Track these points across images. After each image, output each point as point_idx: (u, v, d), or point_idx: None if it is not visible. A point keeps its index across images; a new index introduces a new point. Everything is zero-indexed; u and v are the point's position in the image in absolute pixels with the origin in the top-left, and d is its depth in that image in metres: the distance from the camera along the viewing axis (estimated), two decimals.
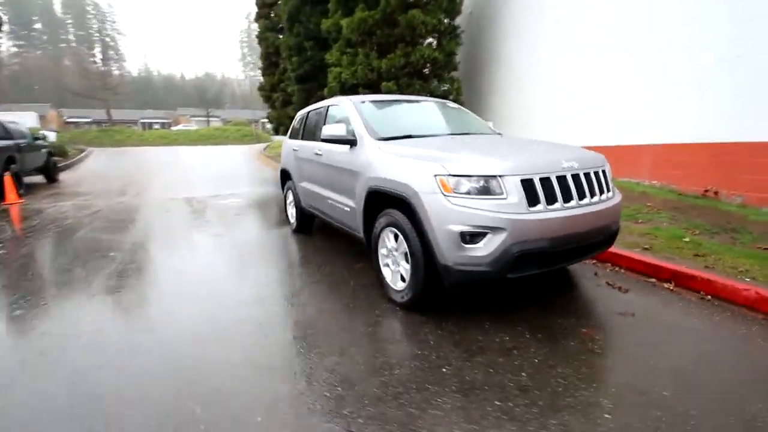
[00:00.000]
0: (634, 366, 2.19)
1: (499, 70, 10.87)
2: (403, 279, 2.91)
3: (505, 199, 2.41)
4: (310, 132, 4.77)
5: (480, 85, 11.66)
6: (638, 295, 3.11)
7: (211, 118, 50.82)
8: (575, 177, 2.61)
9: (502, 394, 1.97)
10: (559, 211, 2.50)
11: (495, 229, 2.39)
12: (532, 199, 2.44)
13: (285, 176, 5.64)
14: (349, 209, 3.58)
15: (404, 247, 2.80)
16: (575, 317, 2.74)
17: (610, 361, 2.29)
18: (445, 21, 10.44)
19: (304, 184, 4.80)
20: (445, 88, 10.90)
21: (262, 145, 24.90)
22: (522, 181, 2.45)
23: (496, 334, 2.52)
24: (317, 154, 4.26)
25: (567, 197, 2.55)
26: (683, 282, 3.11)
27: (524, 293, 3.13)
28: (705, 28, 5.47)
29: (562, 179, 2.55)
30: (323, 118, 4.41)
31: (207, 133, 34.57)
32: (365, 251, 4.41)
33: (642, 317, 2.72)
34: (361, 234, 3.47)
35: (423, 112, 4.16)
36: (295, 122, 5.61)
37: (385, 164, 2.98)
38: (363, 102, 3.92)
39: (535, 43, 9.46)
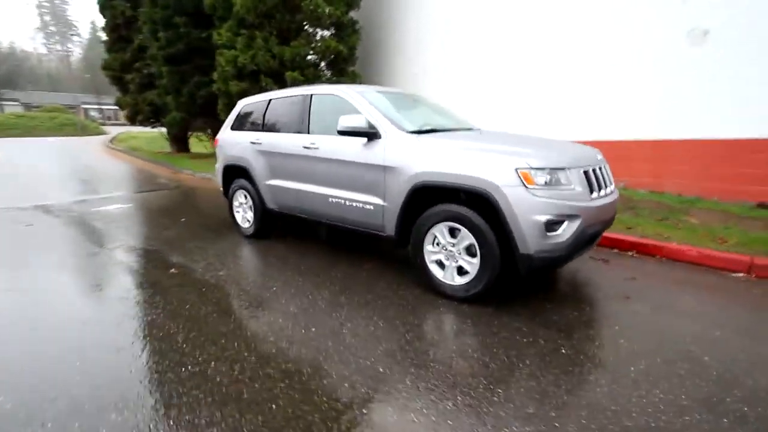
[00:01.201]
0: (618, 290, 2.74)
1: (395, 63, 11.36)
2: (460, 273, 2.91)
3: (573, 189, 2.66)
4: (283, 123, 4.19)
5: (377, 82, 11.96)
6: (617, 263, 3.81)
7: (5, 102, 38.53)
8: (601, 170, 3.04)
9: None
10: (601, 198, 2.88)
11: (572, 217, 2.62)
12: (590, 189, 2.76)
13: (234, 174, 4.83)
14: (371, 207, 3.33)
15: (468, 241, 2.80)
16: (582, 283, 3.23)
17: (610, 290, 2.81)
18: (348, 14, 10.34)
19: (276, 182, 4.22)
20: (349, 82, 10.84)
21: (101, 138, 20.31)
22: (583, 172, 2.74)
23: (546, 313, 2.79)
24: (307, 147, 3.80)
25: (600, 187, 2.95)
26: (642, 250, 3.96)
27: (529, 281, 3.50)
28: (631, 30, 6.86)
29: (597, 171, 2.95)
30: (306, 108, 3.94)
31: (5, 121, 26.27)
32: (361, 247, 4.28)
33: (621, 273, 3.38)
34: (388, 232, 3.28)
35: (418, 105, 4.12)
36: (242, 111, 4.83)
37: (439, 159, 2.89)
38: (366, 92, 3.67)
39: (427, 41, 10.17)
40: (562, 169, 2.66)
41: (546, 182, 2.59)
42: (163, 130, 15.12)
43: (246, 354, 2.30)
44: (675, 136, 5.63)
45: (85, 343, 2.47)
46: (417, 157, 3.01)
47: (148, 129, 16.79)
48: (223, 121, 14.18)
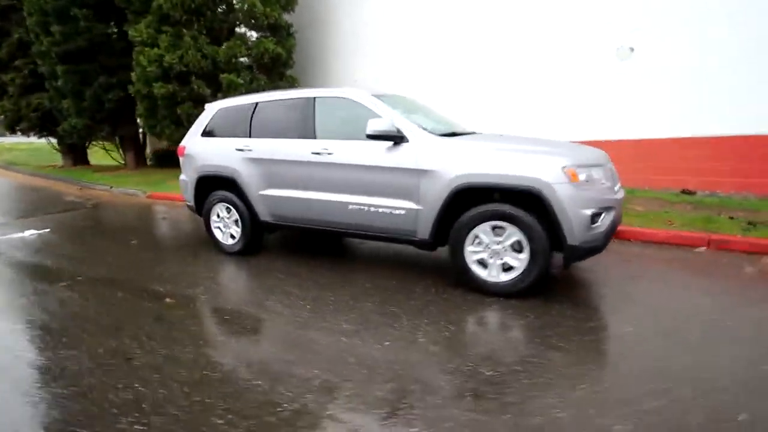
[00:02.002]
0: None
1: (334, 68, 11.23)
2: (505, 270, 2.99)
3: (604, 184, 2.92)
4: (280, 128, 3.84)
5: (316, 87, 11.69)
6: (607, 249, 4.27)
7: None
8: (613, 168, 3.39)
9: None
10: (619, 193, 3.21)
11: (608, 209, 2.88)
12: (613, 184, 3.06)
13: (211, 186, 4.30)
14: (403, 212, 3.24)
15: (514, 238, 2.89)
16: (587, 269, 3.59)
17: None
18: (284, 17, 9.94)
19: (273, 192, 3.85)
20: (287, 87, 10.39)
21: None
22: (609, 169, 3.03)
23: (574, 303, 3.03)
24: (317, 153, 3.55)
25: (615, 183, 3.29)
26: (620, 236, 4.50)
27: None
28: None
29: (611, 169, 3.28)
30: (310, 112, 3.68)
31: None
32: (362, 255, 4.08)
33: (617, 258, 3.83)
34: (420, 236, 3.22)
35: (417, 109, 4.10)
36: (216, 115, 4.32)
37: (484, 160, 2.93)
38: (379, 96, 3.56)
39: (368, 46, 10.26)
40: (595, 166, 2.92)
41: (586, 179, 2.81)
42: (53, 139, 12.75)
43: (367, 380, 2.08)
44: (615, 137, 6.49)
45: None
46: (457, 159, 3.02)
47: (29, 139, 14.03)
48: (141, 128, 12.52)
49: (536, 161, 2.82)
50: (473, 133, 3.69)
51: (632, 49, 6.01)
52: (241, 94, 9.37)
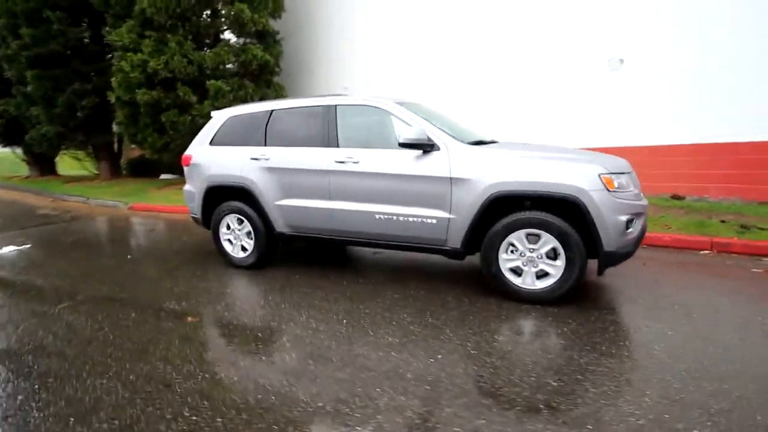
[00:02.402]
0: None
1: (320, 76, 11.13)
2: (539, 277, 3.01)
3: (632, 191, 3.00)
4: (298, 137, 3.73)
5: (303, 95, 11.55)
6: None
7: None
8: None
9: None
10: (644, 200, 3.30)
11: (639, 215, 2.94)
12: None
13: (221, 197, 4.12)
14: (434, 221, 3.20)
15: (550, 245, 2.91)
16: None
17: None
18: (271, 23, 9.80)
19: (292, 202, 3.73)
20: (273, 94, 10.21)
21: None
22: (634, 176, 3.11)
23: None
24: (341, 162, 3.46)
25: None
26: None
27: None
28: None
29: (634, 176, 3.37)
30: (332, 120, 3.59)
31: None
32: (378, 265, 4.10)
33: (631, 262, 3.93)
34: (451, 245, 3.19)
35: (434, 116, 4.08)
36: (226, 123, 4.16)
37: (521, 169, 2.94)
38: (406, 104, 3.52)
39: (353, 52, 10.25)
40: (624, 173, 2.99)
41: (618, 186, 2.87)
42: (18, 149, 11.94)
43: (434, 398, 1.99)
44: (604, 144, 6.74)
45: None
46: (492, 167, 3.02)
47: None
48: (119, 135, 11.98)
49: (573, 169, 2.86)
50: (496, 141, 3.71)
51: (622, 61, 6.30)
52: (229, 101, 9.15)
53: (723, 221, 5.07)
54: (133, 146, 15.19)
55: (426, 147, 3.18)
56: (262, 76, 9.94)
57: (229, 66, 9.38)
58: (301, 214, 3.73)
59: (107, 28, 8.98)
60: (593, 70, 6.56)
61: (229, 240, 4.16)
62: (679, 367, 2.21)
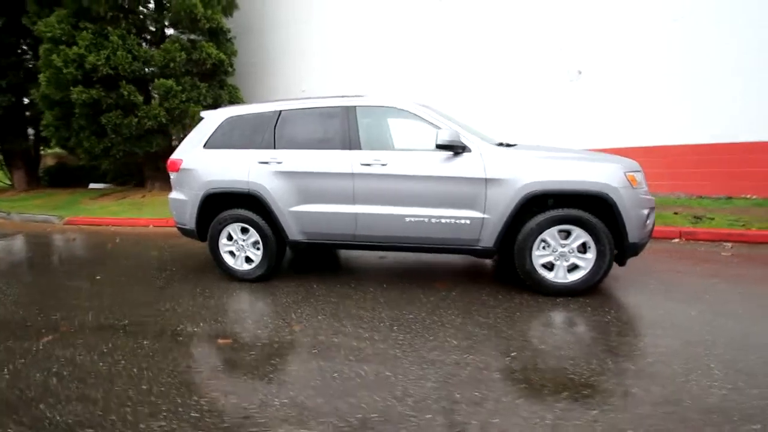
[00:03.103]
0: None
1: (276, 78, 10.70)
2: (569, 271, 3.17)
3: (645, 188, 3.28)
4: (314, 139, 3.53)
5: (258, 98, 11.03)
6: None
7: None
8: None
9: None
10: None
11: (652, 209, 3.23)
12: None
13: (225, 204, 3.76)
14: (467, 221, 3.21)
15: (581, 240, 3.08)
16: None
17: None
18: (224, 20, 9.23)
19: (310, 208, 3.51)
20: (227, 96, 9.62)
21: None
22: (643, 175, 3.41)
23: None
24: (367, 164, 3.34)
25: None
26: None
27: None
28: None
29: None
30: (352, 121, 3.45)
31: None
32: (394, 270, 4.15)
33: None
34: (484, 244, 3.23)
35: (451, 117, 4.07)
36: (224, 124, 3.80)
37: (554, 169, 3.08)
38: (429, 105, 3.50)
39: (311, 54, 10.03)
40: (638, 171, 3.28)
41: (638, 182, 3.14)
42: None
43: (536, 395, 1.96)
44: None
45: None
46: (527, 168, 3.12)
47: None
48: (44, 139, 10.43)
49: (602, 168, 3.07)
50: (515, 144, 3.83)
51: (580, 72, 6.92)
52: (181, 102, 8.41)
53: (676, 213, 5.79)
54: (46, 152, 13.28)
55: (458, 149, 3.20)
56: (215, 76, 9.30)
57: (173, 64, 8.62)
58: (320, 220, 3.54)
59: (29, 16, 7.75)
60: (556, 79, 7.12)
61: (231, 252, 3.80)
62: (740, 345, 2.46)
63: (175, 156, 3.95)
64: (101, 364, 2.43)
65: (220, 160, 3.73)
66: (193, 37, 8.91)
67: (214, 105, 9.49)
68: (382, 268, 4.23)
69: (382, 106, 3.52)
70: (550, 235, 3.14)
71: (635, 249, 3.12)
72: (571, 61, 6.95)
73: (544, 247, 3.18)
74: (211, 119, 3.90)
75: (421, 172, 3.28)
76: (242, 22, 10.35)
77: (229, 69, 9.64)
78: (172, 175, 3.97)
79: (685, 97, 6.45)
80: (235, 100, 9.85)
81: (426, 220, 3.31)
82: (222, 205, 3.77)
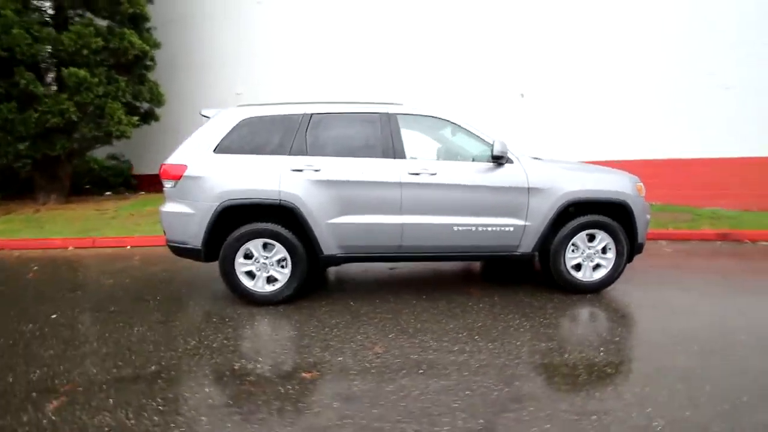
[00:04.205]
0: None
1: (207, 78, 9.66)
2: (595, 269, 3.54)
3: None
4: (351, 146, 3.32)
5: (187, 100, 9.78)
6: None
7: None
8: None
9: None
10: None
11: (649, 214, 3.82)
12: None
13: (245, 217, 3.25)
14: (511, 228, 3.36)
15: (604, 242, 3.47)
16: None
17: None
18: (147, 6, 8.07)
19: (350, 219, 3.27)
20: (148, 93, 8.41)
21: None
22: None
23: None
24: (416, 174, 3.25)
25: None
26: None
27: None
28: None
29: None
30: (394, 129, 3.33)
31: None
32: (426, 278, 4.28)
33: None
34: (523, 250, 3.43)
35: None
36: (240, 125, 3.31)
37: (586, 179, 3.44)
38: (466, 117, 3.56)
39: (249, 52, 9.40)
40: (638, 182, 3.84)
41: (642, 192, 3.69)
42: None
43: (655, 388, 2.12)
44: None
45: None
46: (561, 178, 3.41)
47: None
48: None
49: (620, 179, 3.54)
50: (540, 158, 4.10)
51: (523, 95, 7.81)
52: (97, 96, 7.01)
53: None
54: None
55: (504, 160, 3.37)
56: (134, 70, 8.00)
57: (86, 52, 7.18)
58: (362, 232, 3.32)
59: None
60: (504, 101, 7.88)
61: (251, 272, 3.32)
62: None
63: (174, 161, 3.30)
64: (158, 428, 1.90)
65: (241, 166, 3.25)
66: (107, 23, 7.53)
67: (134, 102, 8.16)
68: (401, 279, 4.14)
69: (424, 115, 3.50)
70: (580, 238, 3.49)
71: (641, 248, 3.66)
72: (518, 84, 7.82)
73: (573, 250, 3.52)
74: (222, 120, 3.38)
75: (470, 181, 3.35)
76: (164, 11, 9.11)
77: (151, 62, 8.40)
78: (169, 184, 3.31)
79: (623, 115, 7.65)
80: (155, 97, 8.59)
81: (473, 228, 3.38)
82: (238, 218, 3.28)
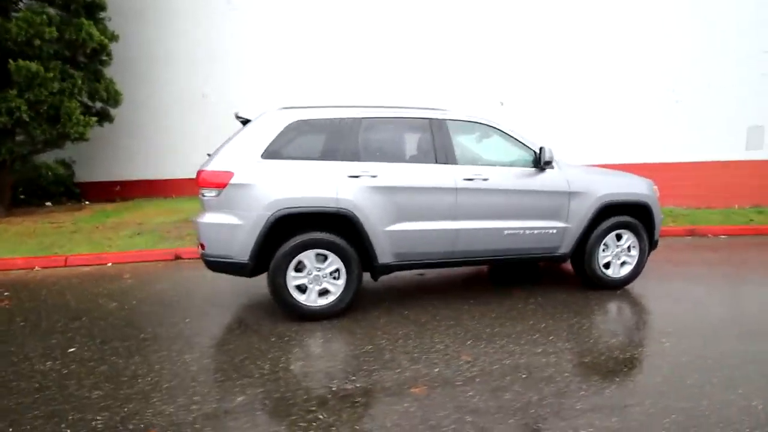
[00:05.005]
0: None
1: (168, 76, 8.89)
2: (622, 266, 3.81)
3: None
4: (403, 151, 3.32)
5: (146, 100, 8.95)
6: None
7: None
8: None
9: None
10: None
11: None
12: None
13: (298, 227, 3.03)
14: (554, 230, 3.51)
15: (629, 242, 3.76)
16: None
17: None
18: None
19: (407, 226, 3.20)
20: (104, 91, 7.59)
21: None
22: None
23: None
24: (470, 179, 3.27)
25: None
26: None
27: None
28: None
29: None
30: (445, 135, 3.33)
31: None
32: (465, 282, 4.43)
33: None
34: (562, 251, 3.61)
35: None
36: (290, 128, 3.09)
37: (616, 184, 3.73)
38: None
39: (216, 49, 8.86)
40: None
41: (656, 193, 4.05)
42: None
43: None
44: None
45: None
46: (596, 182, 3.64)
47: None
48: None
49: (642, 183, 3.85)
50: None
51: (502, 103, 8.20)
52: (51, 92, 6.16)
53: None
54: None
55: (551, 166, 3.52)
56: (90, 65, 7.12)
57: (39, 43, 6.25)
58: (417, 239, 3.27)
59: None
60: (485, 109, 8.20)
61: (303, 285, 3.10)
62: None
63: (217, 167, 2.99)
64: None
65: (294, 173, 3.03)
66: (56, 11, 6.63)
67: (88, 102, 7.26)
68: (433, 284, 4.13)
69: (472, 121, 3.54)
70: (610, 238, 3.75)
71: (656, 245, 4.02)
72: (497, 93, 8.19)
73: (603, 249, 3.77)
74: (267, 123, 3.13)
75: (518, 186, 3.45)
76: (120, 2, 8.22)
77: (107, 57, 7.54)
78: (210, 193, 2.99)
79: (585, 123, 8.30)
80: (112, 96, 7.71)
81: (522, 231, 3.48)
82: (287, 229, 3.05)
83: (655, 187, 3.98)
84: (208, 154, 3.59)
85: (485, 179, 3.37)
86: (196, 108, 8.95)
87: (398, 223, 3.22)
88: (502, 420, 1.96)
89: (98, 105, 7.80)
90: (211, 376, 2.41)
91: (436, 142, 3.36)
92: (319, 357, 2.66)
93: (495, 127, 3.56)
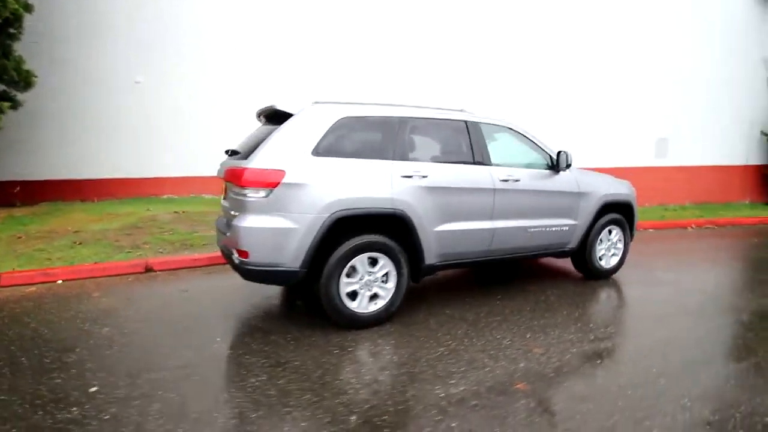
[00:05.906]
0: None
1: (83, 58, 7.58)
2: (611, 257, 4.30)
3: None
4: (443, 152, 3.35)
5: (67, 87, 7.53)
6: None
7: None
8: None
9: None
10: None
11: None
12: None
13: (353, 230, 2.82)
14: (567, 228, 3.83)
15: (618, 236, 4.27)
16: None
17: None
18: None
19: (453, 227, 3.22)
20: (13, 69, 6.29)
21: None
22: None
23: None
24: (505, 180, 3.39)
25: None
26: None
27: None
28: None
29: None
30: (479, 137, 3.43)
31: None
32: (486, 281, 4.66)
33: None
34: (571, 246, 3.97)
35: None
36: (338, 125, 2.88)
37: (611, 185, 4.17)
38: None
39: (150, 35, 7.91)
40: None
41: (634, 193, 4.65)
42: None
43: None
44: None
45: None
46: (596, 184, 4.06)
47: None
48: None
49: (626, 185, 4.40)
50: None
51: (462, 110, 8.61)
52: None
53: None
54: None
55: (569, 169, 3.83)
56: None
57: None
58: (460, 239, 3.30)
59: None
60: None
61: (354, 291, 2.91)
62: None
63: (266, 165, 2.65)
64: None
65: (348, 172, 2.84)
66: None
67: None
68: (447, 282, 4.19)
69: (500, 125, 3.68)
70: (604, 234, 4.22)
71: (632, 237, 4.64)
72: (458, 100, 8.58)
73: (599, 243, 4.23)
74: (315, 118, 2.87)
75: (543, 187, 3.70)
76: None
77: (16, 31, 6.15)
78: (258, 194, 2.64)
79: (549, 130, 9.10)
80: (23, 77, 6.31)
81: (543, 229, 3.74)
82: (349, 231, 2.85)
83: (633, 188, 4.59)
84: (226, 151, 3.21)
85: (516, 180, 3.55)
86: (133, 96, 7.77)
87: (446, 223, 3.22)
88: (613, 406, 2.11)
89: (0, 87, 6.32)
90: (301, 399, 2.14)
91: (474, 143, 3.44)
92: (402, 364, 2.53)
93: (517, 131, 3.77)
